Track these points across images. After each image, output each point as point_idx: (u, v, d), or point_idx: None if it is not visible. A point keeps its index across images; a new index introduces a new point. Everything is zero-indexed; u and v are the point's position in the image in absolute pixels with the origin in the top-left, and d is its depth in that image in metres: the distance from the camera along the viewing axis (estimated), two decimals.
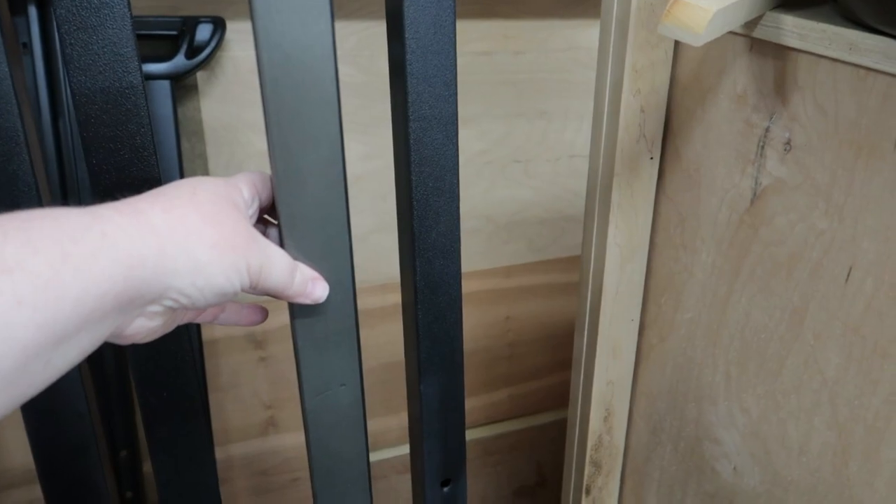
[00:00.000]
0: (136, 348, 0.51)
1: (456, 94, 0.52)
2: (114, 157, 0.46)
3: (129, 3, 0.45)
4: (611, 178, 0.62)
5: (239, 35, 0.91)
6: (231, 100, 0.93)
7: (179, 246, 0.32)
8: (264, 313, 0.45)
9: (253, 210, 0.40)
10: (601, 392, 0.71)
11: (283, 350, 1.04)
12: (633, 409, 0.73)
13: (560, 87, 1.09)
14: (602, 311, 0.67)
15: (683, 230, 0.62)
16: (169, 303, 0.33)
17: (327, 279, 0.44)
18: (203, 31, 0.88)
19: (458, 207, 0.55)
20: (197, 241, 0.32)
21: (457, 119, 0.53)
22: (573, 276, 1.18)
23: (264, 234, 0.44)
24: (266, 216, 0.44)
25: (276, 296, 0.40)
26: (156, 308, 0.33)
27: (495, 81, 1.05)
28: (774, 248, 0.52)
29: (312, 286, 0.41)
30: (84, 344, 0.29)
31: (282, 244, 0.42)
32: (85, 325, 0.28)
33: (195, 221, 0.33)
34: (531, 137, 1.10)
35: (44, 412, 0.53)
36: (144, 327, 0.34)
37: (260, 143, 0.95)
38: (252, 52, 0.41)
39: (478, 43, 1.03)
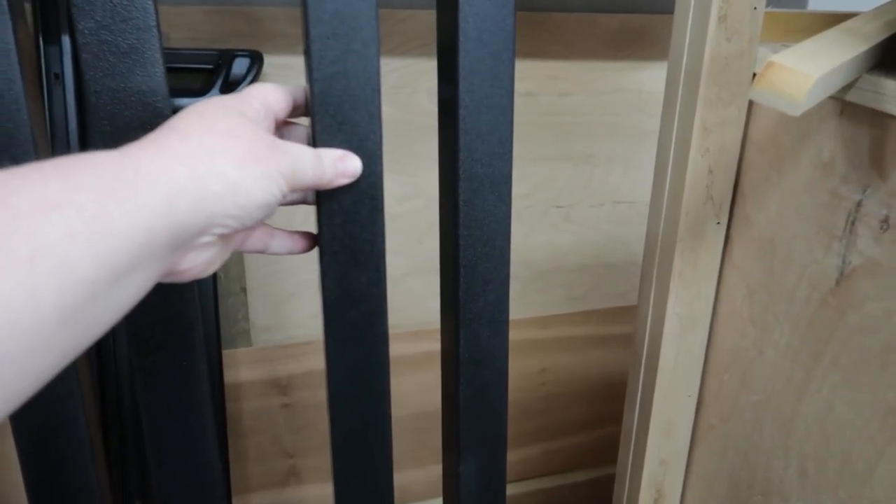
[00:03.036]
0: (147, 382, 0.46)
1: (511, 151, 0.48)
2: None
3: (160, 48, 0.41)
4: (673, 243, 0.57)
5: (276, 69, 0.88)
6: None
7: (208, 169, 0.31)
8: (312, 239, 0.44)
9: (269, 122, 0.39)
10: (652, 472, 0.65)
11: (308, 397, 0.99)
12: (687, 492, 0.66)
13: (606, 131, 1.05)
14: (657, 385, 0.62)
15: (752, 304, 0.56)
16: (218, 230, 0.33)
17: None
18: (239, 65, 0.85)
19: (508, 275, 0.50)
20: (223, 160, 0.32)
21: (511, 179, 0.48)
22: (613, 327, 1.12)
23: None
24: (288, 119, 0.43)
25: (315, 188, 0.40)
26: (206, 238, 0.33)
27: (539, 123, 1.01)
28: (865, 338, 0.46)
29: (343, 164, 0.40)
30: (139, 282, 0.28)
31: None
32: (137, 262, 0.28)
33: (213, 142, 0.32)
34: (574, 182, 1.06)
35: (45, 466, 0.49)
36: (199, 260, 0.34)
37: None
38: None
39: (522, 83, 0.99)
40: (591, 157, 1.05)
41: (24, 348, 0.23)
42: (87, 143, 0.81)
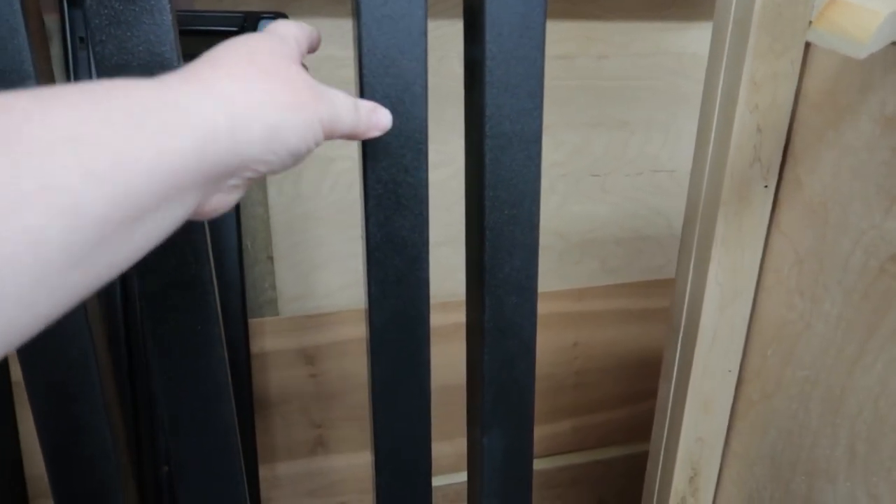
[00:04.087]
0: (160, 347, 0.44)
1: (541, 107, 0.45)
2: None
3: None
4: (716, 207, 0.53)
5: None
6: None
7: (252, 112, 0.30)
8: None
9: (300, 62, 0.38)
10: (688, 449, 0.62)
11: (336, 367, 0.98)
12: (724, 471, 0.63)
13: (645, 96, 1.00)
14: (695, 359, 0.58)
15: (801, 273, 0.52)
16: (249, 174, 0.31)
17: None
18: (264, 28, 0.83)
19: (536, 239, 0.48)
20: (269, 104, 0.30)
21: (541, 137, 0.45)
22: (649, 301, 1.09)
23: None
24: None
25: (347, 138, 0.38)
26: (235, 181, 0.32)
27: (574, 87, 0.97)
28: None
29: (376, 116, 0.39)
30: (165, 221, 0.27)
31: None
32: (163, 202, 0.26)
33: (263, 84, 0.31)
34: (611, 149, 1.02)
35: (67, 452, 0.48)
36: (224, 201, 0.33)
37: None
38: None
39: (557, 45, 0.95)
40: (628, 124, 1.01)
41: (24, 289, 0.21)
42: None
